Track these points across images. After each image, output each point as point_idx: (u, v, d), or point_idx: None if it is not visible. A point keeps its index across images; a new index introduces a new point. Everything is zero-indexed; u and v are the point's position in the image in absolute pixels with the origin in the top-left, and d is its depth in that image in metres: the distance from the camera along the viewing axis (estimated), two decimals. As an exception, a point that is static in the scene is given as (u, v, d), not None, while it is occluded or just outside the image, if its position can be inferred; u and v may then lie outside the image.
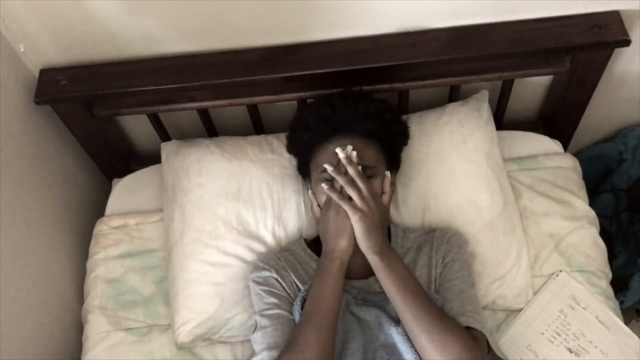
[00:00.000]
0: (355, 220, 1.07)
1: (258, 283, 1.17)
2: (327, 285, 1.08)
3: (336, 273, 1.09)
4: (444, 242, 1.20)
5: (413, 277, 1.09)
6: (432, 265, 1.17)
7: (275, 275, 1.17)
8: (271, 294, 1.15)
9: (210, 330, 1.28)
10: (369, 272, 1.14)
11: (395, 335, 1.08)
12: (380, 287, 1.14)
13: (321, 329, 1.05)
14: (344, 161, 1.11)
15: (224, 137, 1.44)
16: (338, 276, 1.09)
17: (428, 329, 1.03)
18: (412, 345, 1.05)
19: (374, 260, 1.08)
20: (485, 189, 1.30)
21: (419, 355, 1.04)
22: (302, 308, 1.11)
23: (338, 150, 1.11)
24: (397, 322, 1.09)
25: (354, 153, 1.12)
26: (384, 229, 1.13)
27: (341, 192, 1.10)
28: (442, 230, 1.24)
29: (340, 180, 1.09)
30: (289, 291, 1.16)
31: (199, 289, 1.27)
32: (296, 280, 1.18)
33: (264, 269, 1.18)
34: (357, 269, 1.17)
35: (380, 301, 1.13)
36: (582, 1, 1.26)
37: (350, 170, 1.10)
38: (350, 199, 1.09)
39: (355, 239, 1.09)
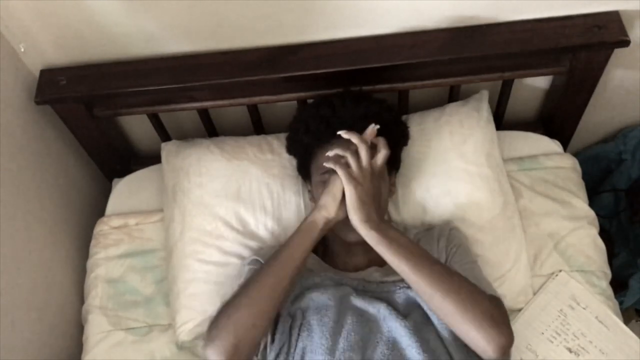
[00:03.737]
0: (349, 189, 1.03)
1: (251, 268, 1.18)
2: (293, 241, 1.06)
3: (308, 232, 1.06)
4: (445, 232, 1.22)
5: (416, 244, 1.06)
6: (435, 253, 1.17)
7: None
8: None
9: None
10: (366, 265, 1.15)
11: (400, 328, 1.05)
12: (381, 276, 1.15)
13: (267, 284, 1.03)
14: (347, 135, 1.07)
15: (224, 137, 1.44)
16: (308, 236, 1.06)
17: (448, 289, 1.00)
18: (418, 340, 1.03)
19: (370, 235, 1.04)
20: (485, 189, 1.30)
21: (422, 351, 1.02)
22: None
23: (342, 132, 1.07)
24: (403, 315, 1.07)
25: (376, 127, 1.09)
26: (382, 211, 1.10)
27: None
28: (442, 224, 1.25)
29: (340, 151, 1.06)
30: None
31: (200, 289, 1.28)
32: None
33: (257, 261, 1.19)
34: (354, 265, 1.18)
35: (383, 292, 1.12)
36: (582, 1, 1.26)
37: (355, 139, 1.06)
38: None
39: (346, 216, 1.06)
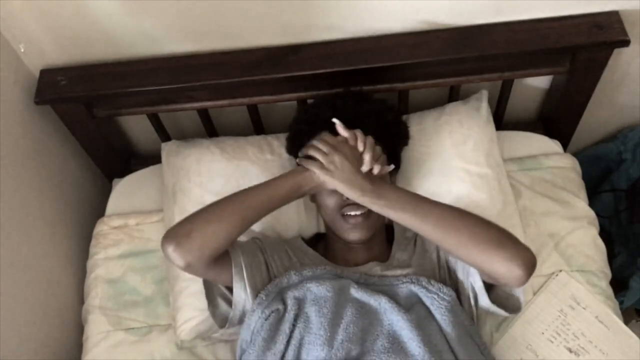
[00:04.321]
0: (329, 179, 1.07)
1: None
2: (271, 179, 1.10)
3: (288, 177, 1.10)
4: None
5: (415, 195, 1.09)
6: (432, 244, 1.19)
7: (263, 245, 1.20)
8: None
9: (212, 328, 1.27)
10: (367, 260, 1.17)
11: (402, 322, 1.05)
12: (382, 270, 1.16)
13: (234, 200, 1.08)
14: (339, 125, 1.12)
15: (224, 137, 1.44)
16: (286, 180, 1.10)
17: (460, 225, 1.03)
18: (420, 334, 1.03)
19: (373, 205, 1.06)
20: (485, 189, 1.30)
21: (424, 344, 1.01)
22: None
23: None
24: (406, 309, 1.07)
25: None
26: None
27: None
28: None
29: (309, 150, 1.11)
30: (272, 259, 1.18)
31: (202, 287, 1.27)
32: (292, 256, 1.21)
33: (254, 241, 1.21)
34: (354, 261, 1.19)
35: (385, 286, 1.13)
36: (582, 1, 1.26)
37: (340, 129, 1.11)
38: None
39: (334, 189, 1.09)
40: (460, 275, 1.14)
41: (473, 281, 1.11)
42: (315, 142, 1.11)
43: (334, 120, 1.11)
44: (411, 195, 1.09)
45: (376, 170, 1.08)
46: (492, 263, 1.01)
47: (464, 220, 1.05)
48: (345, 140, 1.10)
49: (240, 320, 1.16)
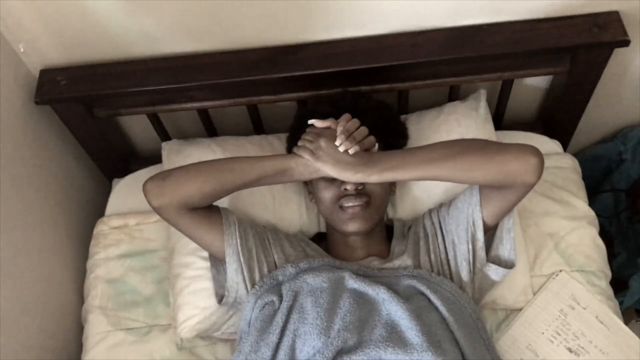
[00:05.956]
0: (320, 164, 1.07)
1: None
2: (257, 157, 1.12)
3: (280, 156, 1.12)
4: (427, 211, 1.26)
5: (410, 150, 1.11)
6: (421, 231, 1.21)
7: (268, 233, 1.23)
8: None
9: (213, 326, 1.28)
10: (366, 255, 1.18)
11: (400, 312, 1.04)
12: (380, 264, 1.16)
13: (207, 178, 1.10)
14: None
15: (225, 136, 1.44)
16: (278, 159, 1.11)
17: (463, 151, 1.04)
18: (419, 323, 1.02)
19: (371, 175, 1.06)
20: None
21: (422, 333, 1.01)
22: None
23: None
24: (405, 299, 1.07)
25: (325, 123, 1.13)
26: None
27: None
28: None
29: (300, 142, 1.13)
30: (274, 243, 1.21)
31: (203, 285, 1.27)
32: (296, 245, 1.22)
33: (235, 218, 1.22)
34: (353, 256, 1.20)
35: (385, 277, 1.13)
36: (582, 1, 1.26)
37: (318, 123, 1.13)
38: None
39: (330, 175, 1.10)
40: (458, 238, 1.14)
41: (473, 232, 1.12)
42: (303, 135, 1.13)
43: (311, 121, 1.13)
44: (402, 150, 1.10)
45: (352, 150, 1.06)
46: (507, 163, 1.02)
47: (463, 145, 1.06)
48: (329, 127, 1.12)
49: (234, 304, 1.19)
